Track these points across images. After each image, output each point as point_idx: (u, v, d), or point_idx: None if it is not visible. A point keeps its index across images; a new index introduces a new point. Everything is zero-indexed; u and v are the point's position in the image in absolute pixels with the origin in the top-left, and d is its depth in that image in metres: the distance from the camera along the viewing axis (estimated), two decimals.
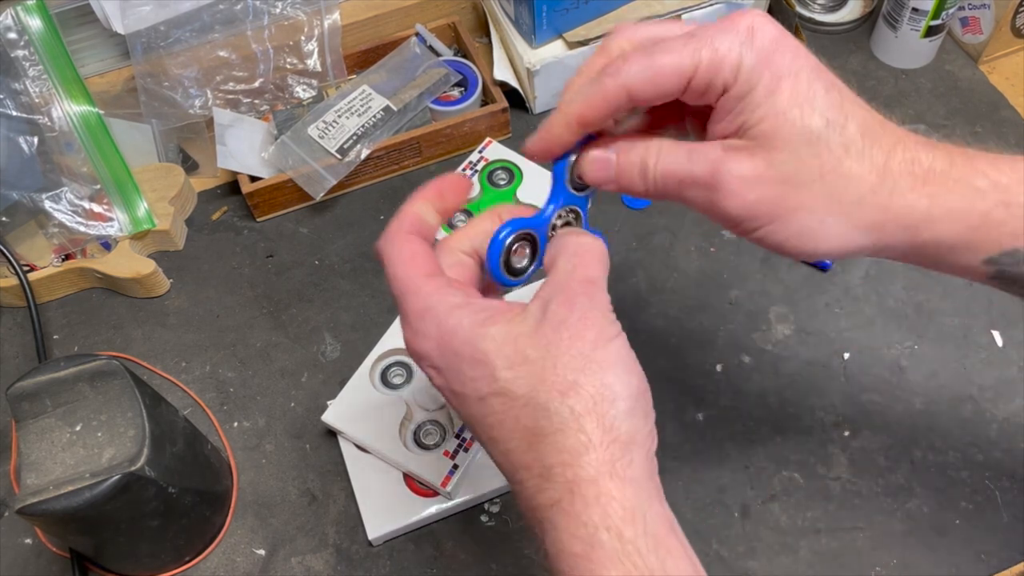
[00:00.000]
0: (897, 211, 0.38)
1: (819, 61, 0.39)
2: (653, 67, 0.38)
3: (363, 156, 0.72)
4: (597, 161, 0.42)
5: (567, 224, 0.44)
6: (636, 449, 0.36)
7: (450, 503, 0.59)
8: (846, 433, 0.62)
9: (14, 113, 0.69)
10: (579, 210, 0.45)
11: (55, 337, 0.69)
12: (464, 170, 0.74)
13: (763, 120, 0.37)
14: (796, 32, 0.80)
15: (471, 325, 0.37)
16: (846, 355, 0.65)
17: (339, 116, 0.73)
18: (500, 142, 0.76)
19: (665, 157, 0.40)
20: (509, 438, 0.37)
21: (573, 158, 0.42)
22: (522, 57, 0.75)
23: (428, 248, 0.40)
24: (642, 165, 0.41)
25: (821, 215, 0.38)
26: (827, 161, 0.37)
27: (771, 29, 0.37)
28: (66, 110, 0.70)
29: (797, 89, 0.37)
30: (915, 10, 0.75)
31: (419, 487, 0.59)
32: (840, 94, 0.38)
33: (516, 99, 0.79)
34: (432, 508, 0.59)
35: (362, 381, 0.63)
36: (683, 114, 0.44)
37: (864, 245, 0.39)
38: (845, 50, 0.83)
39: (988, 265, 0.39)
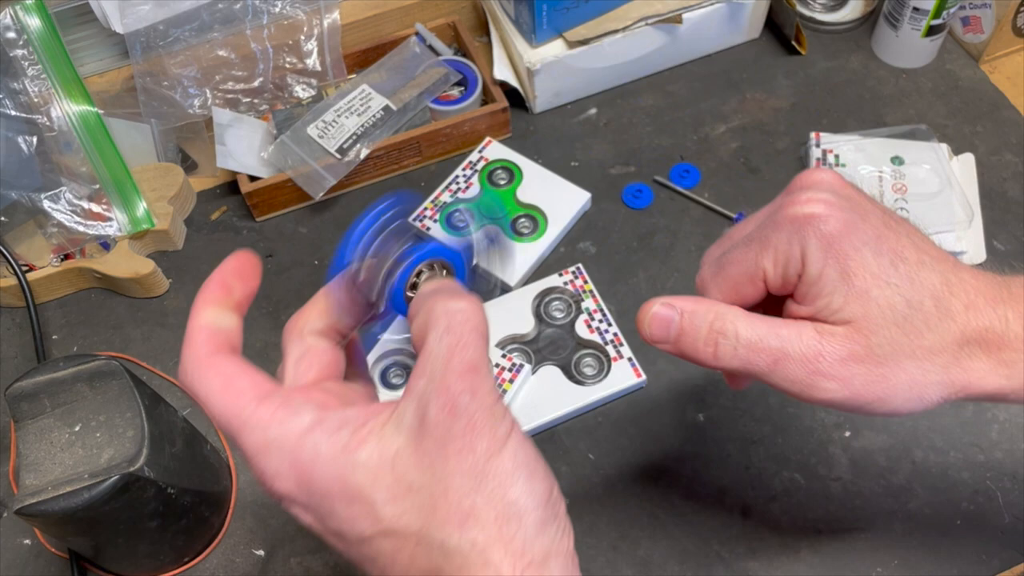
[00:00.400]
0: (977, 378, 0.38)
1: (877, 218, 0.39)
2: (728, 282, 0.40)
3: (363, 156, 0.72)
4: (657, 318, 0.40)
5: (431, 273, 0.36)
6: (553, 561, 0.31)
7: None
8: (847, 434, 0.62)
9: (13, 113, 0.69)
10: (451, 265, 0.37)
11: (54, 337, 0.69)
12: (464, 170, 0.74)
13: (846, 304, 0.38)
14: (797, 32, 0.80)
15: (333, 453, 0.32)
16: None
17: (338, 116, 0.73)
18: (500, 141, 0.76)
19: (747, 329, 0.39)
20: None
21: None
22: (522, 56, 0.75)
23: (241, 363, 0.35)
24: (713, 332, 0.39)
25: (918, 389, 0.38)
26: (914, 339, 0.38)
27: (822, 210, 0.38)
28: (65, 110, 0.70)
29: (868, 270, 0.37)
30: (916, 9, 0.75)
31: None
32: (906, 264, 0.38)
33: (516, 99, 0.79)
34: None
35: None
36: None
37: (937, 402, 0.39)
38: (846, 49, 0.82)
39: None
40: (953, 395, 0.39)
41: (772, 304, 0.41)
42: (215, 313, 0.36)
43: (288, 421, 0.32)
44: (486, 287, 0.38)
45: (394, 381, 0.63)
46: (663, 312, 0.40)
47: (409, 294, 0.36)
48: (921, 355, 0.38)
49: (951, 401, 0.40)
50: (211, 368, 0.34)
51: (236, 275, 0.37)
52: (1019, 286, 0.39)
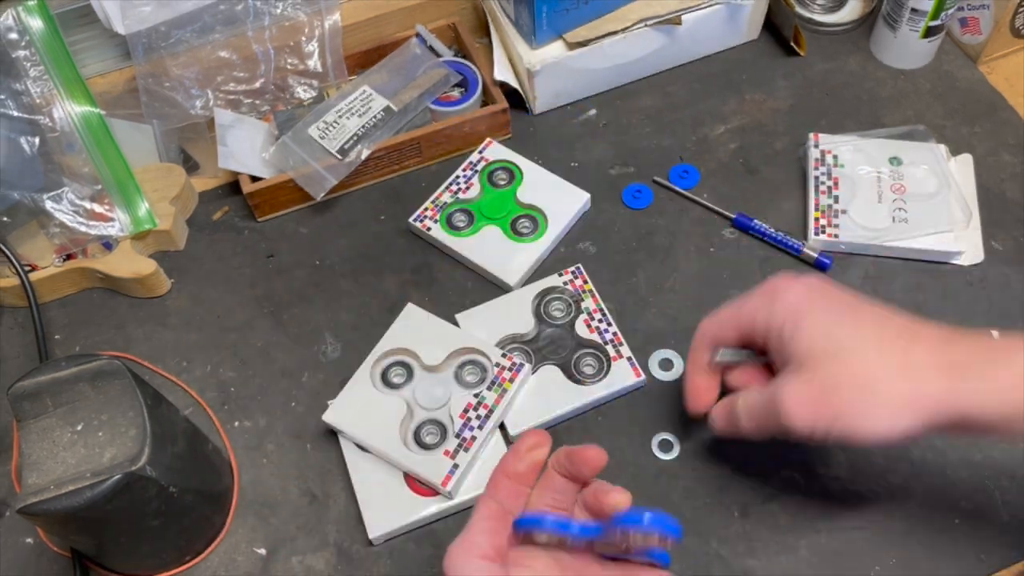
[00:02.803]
0: (928, 394, 0.44)
1: (839, 298, 0.50)
2: (720, 329, 0.54)
3: (363, 156, 0.72)
4: (717, 410, 0.55)
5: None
6: None
7: (450, 502, 0.59)
8: None
9: (15, 113, 0.69)
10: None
11: (56, 337, 0.69)
12: (464, 171, 0.74)
13: (796, 352, 0.48)
14: (796, 33, 0.81)
15: None
16: None
17: (340, 116, 0.73)
18: (500, 142, 0.76)
19: (747, 399, 0.52)
20: None
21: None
22: (522, 58, 0.75)
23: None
24: (732, 408, 0.53)
25: (866, 408, 0.45)
26: (854, 368, 0.46)
27: (784, 284, 0.51)
28: (67, 110, 0.70)
29: (815, 324, 0.48)
30: (914, 10, 0.75)
31: (419, 486, 0.59)
32: (854, 317, 0.48)
33: (516, 99, 0.79)
34: (432, 507, 0.59)
35: (362, 381, 0.63)
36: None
37: (912, 426, 0.45)
38: (844, 50, 0.83)
39: None
40: (911, 416, 0.45)
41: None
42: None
43: None
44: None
45: (394, 381, 0.63)
46: (718, 408, 0.55)
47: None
48: (864, 380, 0.45)
49: (920, 432, 0.45)
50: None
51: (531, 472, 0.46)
52: (980, 344, 0.45)
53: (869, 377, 0.45)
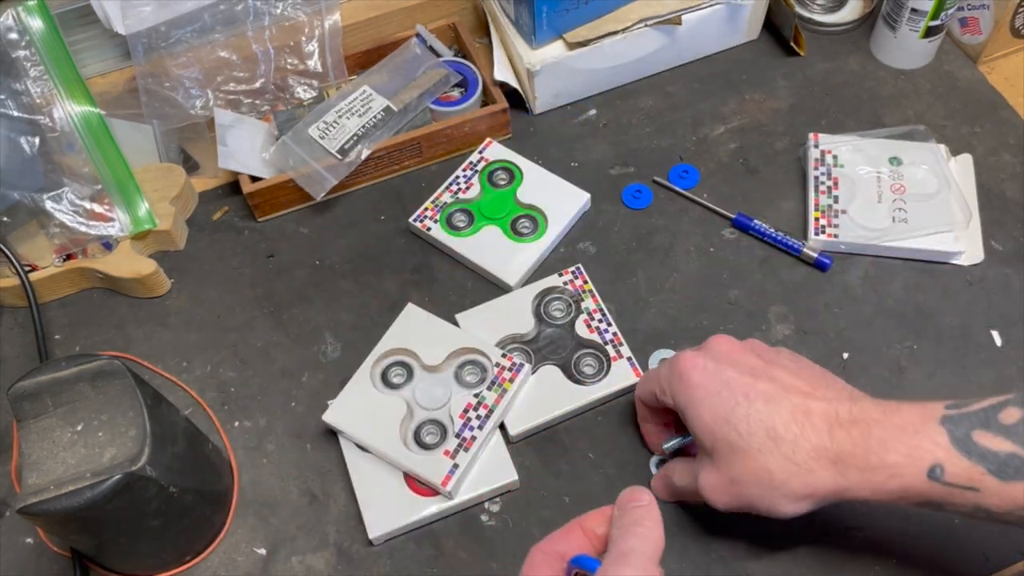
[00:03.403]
0: (819, 486, 0.48)
1: (729, 376, 0.52)
2: (643, 392, 0.58)
3: (364, 156, 0.72)
4: (656, 482, 0.59)
5: None
6: None
7: (450, 503, 0.59)
8: None
9: (15, 113, 0.69)
10: None
11: (56, 337, 0.69)
12: (464, 171, 0.74)
13: (701, 440, 0.52)
14: (796, 33, 0.81)
15: None
16: (845, 355, 0.65)
17: (340, 116, 0.73)
18: (500, 142, 0.76)
19: (677, 476, 0.56)
20: None
21: None
22: (522, 58, 0.75)
23: None
24: (668, 480, 0.58)
25: (772, 499, 0.49)
26: (752, 466, 0.49)
27: (684, 365, 0.53)
28: (67, 110, 0.70)
29: (711, 418, 0.51)
30: (914, 10, 0.75)
31: (419, 487, 0.59)
32: (747, 405, 0.50)
33: (516, 99, 0.79)
34: (432, 508, 0.59)
35: (362, 381, 0.63)
36: None
37: (813, 507, 0.50)
38: (844, 50, 0.83)
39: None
40: (811, 502, 0.49)
41: None
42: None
43: None
44: None
45: (394, 381, 0.63)
46: (657, 478, 0.60)
47: None
48: (759, 474, 0.49)
49: (825, 504, 0.49)
50: None
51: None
52: (859, 426, 0.48)
53: (768, 475, 0.49)
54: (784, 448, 0.48)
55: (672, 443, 0.58)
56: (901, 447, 0.46)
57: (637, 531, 0.43)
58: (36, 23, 0.69)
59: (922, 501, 0.47)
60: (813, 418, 0.49)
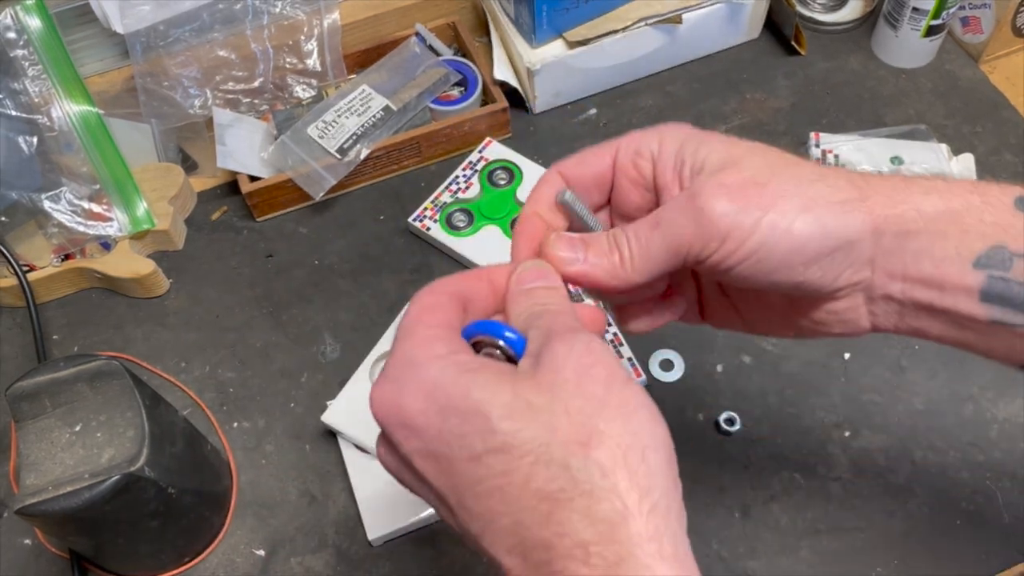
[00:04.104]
0: (852, 202, 0.37)
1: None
2: (580, 165, 0.41)
3: (363, 156, 0.72)
4: (563, 237, 0.39)
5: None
6: (674, 515, 0.31)
7: None
8: (846, 433, 0.62)
9: (13, 113, 0.69)
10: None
11: (54, 337, 0.69)
12: (464, 170, 0.74)
13: (709, 158, 0.37)
14: (796, 32, 0.80)
15: (454, 373, 0.31)
16: (846, 355, 0.65)
17: (339, 116, 0.73)
18: (500, 142, 0.76)
19: (636, 227, 0.38)
20: (517, 508, 0.30)
21: None
22: (522, 57, 0.75)
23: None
24: (616, 242, 0.38)
25: (799, 202, 0.36)
26: (782, 172, 0.37)
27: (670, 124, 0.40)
28: (65, 110, 0.70)
29: (726, 140, 0.38)
30: (916, 10, 0.75)
31: None
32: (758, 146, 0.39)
33: (516, 99, 0.79)
34: (432, 509, 0.59)
35: (362, 381, 0.63)
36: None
37: (837, 231, 0.36)
38: (845, 50, 0.82)
39: (978, 273, 0.36)
40: (841, 210, 0.37)
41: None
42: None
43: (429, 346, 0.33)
44: None
45: None
46: (567, 235, 0.40)
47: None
48: (792, 170, 0.37)
49: (846, 234, 0.37)
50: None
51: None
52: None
53: (798, 178, 0.37)
54: (810, 167, 0.38)
55: (575, 199, 0.40)
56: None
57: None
58: (34, 22, 0.69)
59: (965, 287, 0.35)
60: (826, 169, 0.39)
